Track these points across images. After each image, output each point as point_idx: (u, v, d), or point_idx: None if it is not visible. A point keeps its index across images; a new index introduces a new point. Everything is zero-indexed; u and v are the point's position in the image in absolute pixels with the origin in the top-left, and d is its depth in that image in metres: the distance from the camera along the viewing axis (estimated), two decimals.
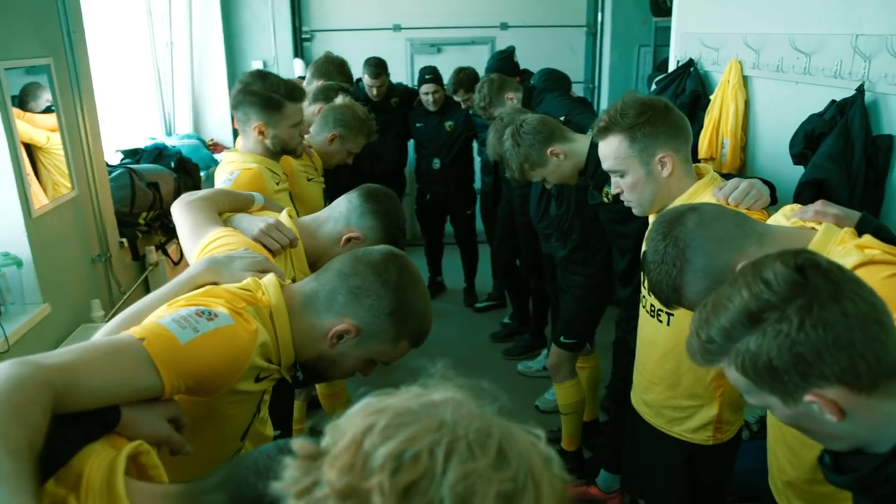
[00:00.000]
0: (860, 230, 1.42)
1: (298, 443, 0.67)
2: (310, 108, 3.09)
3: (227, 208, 1.87)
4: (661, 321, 1.92)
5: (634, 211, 1.92)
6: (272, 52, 5.51)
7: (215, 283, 1.41)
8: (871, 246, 1.33)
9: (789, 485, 1.55)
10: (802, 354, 0.92)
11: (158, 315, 1.23)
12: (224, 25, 5.22)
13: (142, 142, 4.31)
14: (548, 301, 4.25)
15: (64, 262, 2.83)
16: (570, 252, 3.14)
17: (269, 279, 1.40)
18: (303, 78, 4.43)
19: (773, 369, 0.95)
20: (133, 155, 4.00)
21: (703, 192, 1.81)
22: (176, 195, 3.88)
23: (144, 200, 3.54)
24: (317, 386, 3.08)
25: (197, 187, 4.17)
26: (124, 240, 3.40)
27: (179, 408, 1.21)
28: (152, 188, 3.61)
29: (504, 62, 4.31)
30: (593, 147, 2.41)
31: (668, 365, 1.94)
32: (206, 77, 5.23)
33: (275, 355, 1.33)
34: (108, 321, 1.40)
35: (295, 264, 1.78)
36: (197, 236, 1.69)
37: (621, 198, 1.90)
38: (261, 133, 2.33)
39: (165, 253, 3.78)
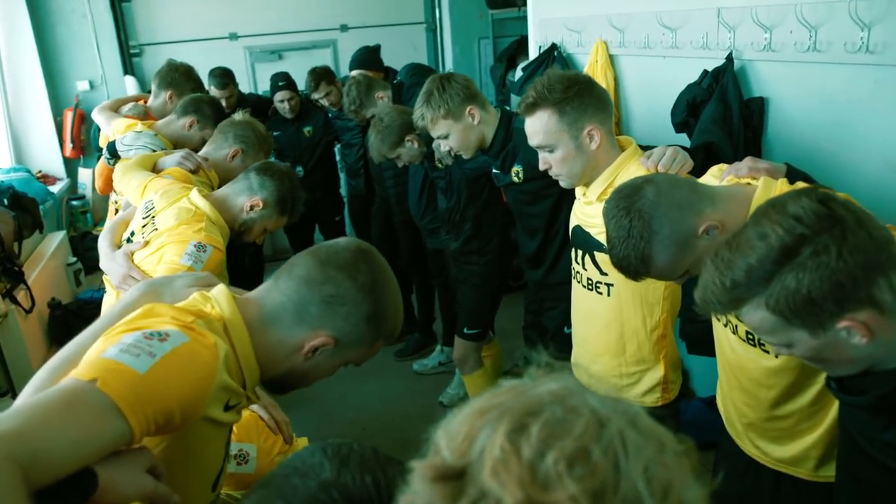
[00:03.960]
0: (791, 179, 1.53)
1: (420, 463, 0.61)
2: (180, 122, 2.87)
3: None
4: (600, 293, 1.97)
5: (563, 184, 1.95)
6: (98, 70, 5.05)
7: None
8: None
9: (750, 426, 1.64)
10: (840, 281, 0.97)
11: (99, 350, 1.06)
12: (38, 45, 4.71)
13: None
14: (434, 297, 4.26)
15: None
16: (463, 243, 3.15)
17: (219, 290, 1.26)
18: (149, 92, 4.10)
19: (810, 302, 0.99)
20: None
21: (630, 163, 1.88)
22: (17, 235, 3.48)
23: None
24: None
25: (38, 224, 3.76)
26: None
27: (153, 454, 1.07)
28: None
29: (371, 55, 4.25)
30: (502, 125, 2.43)
31: (612, 334, 1.99)
32: (25, 103, 4.72)
33: (237, 373, 1.20)
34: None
35: None
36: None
37: (550, 172, 1.93)
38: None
39: (14, 301, 3.36)
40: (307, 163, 4.58)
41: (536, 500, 0.55)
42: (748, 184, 1.54)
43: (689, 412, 2.88)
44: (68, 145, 4.82)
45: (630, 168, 1.85)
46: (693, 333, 2.55)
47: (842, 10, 2.01)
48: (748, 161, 1.58)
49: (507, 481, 0.56)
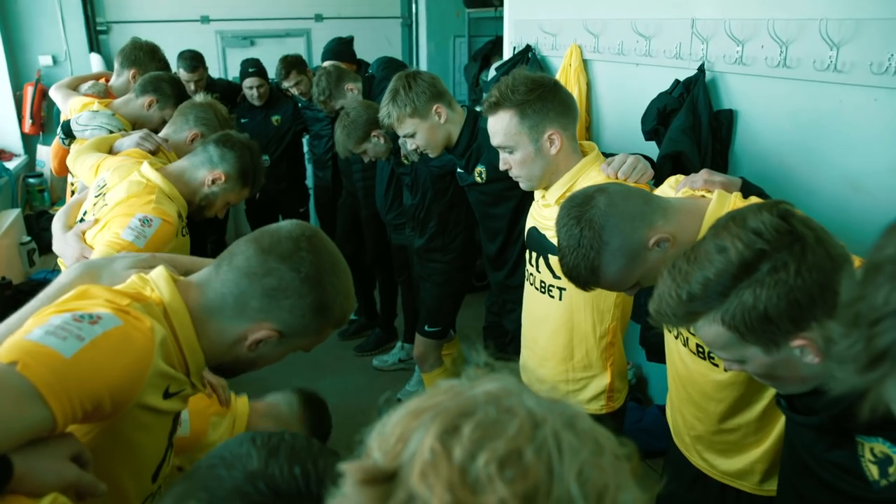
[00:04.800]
0: (745, 193, 1.53)
1: (350, 465, 0.58)
2: (139, 101, 2.78)
3: None
4: (552, 297, 1.96)
5: (522, 186, 1.94)
6: (62, 45, 4.89)
7: None
8: None
9: (698, 438, 1.64)
10: (798, 300, 0.96)
11: (25, 331, 1.01)
12: None
13: None
14: (396, 293, 4.23)
15: None
16: (428, 240, 3.13)
17: (158, 272, 1.21)
18: (111, 70, 4.00)
19: (766, 319, 0.98)
20: None
21: (591, 168, 1.86)
22: None
23: None
24: None
25: None
26: None
27: (80, 441, 1.02)
28: None
29: (343, 46, 4.18)
30: (468, 125, 2.41)
31: (561, 339, 1.97)
32: None
33: (178, 359, 1.16)
34: None
35: None
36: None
37: (510, 173, 1.91)
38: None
39: None
40: (274, 152, 4.51)
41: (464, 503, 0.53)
42: (703, 196, 1.53)
43: (645, 419, 2.89)
44: (27, 121, 4.66)
45: (590, 173, 1.84)
46: (653, 342, 2.56)
47: (813, 28, 2.02)
48: (704, 174, 1.56)
49: (434, 484, 0.54)
